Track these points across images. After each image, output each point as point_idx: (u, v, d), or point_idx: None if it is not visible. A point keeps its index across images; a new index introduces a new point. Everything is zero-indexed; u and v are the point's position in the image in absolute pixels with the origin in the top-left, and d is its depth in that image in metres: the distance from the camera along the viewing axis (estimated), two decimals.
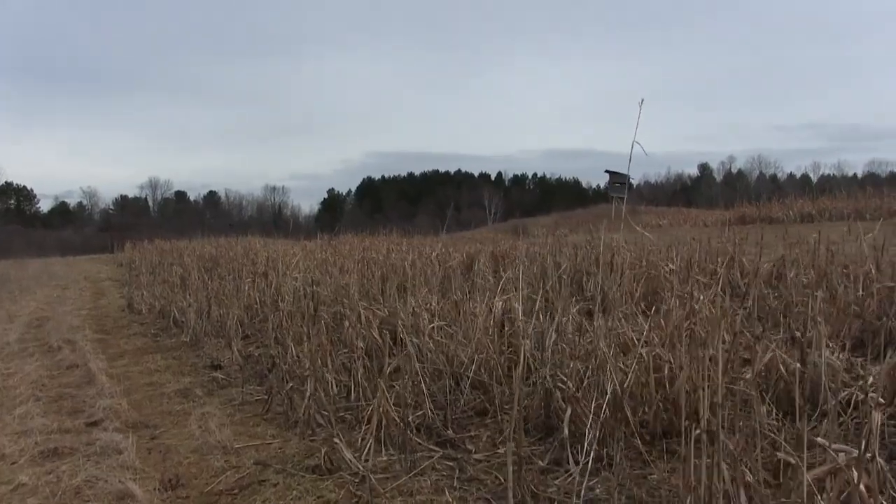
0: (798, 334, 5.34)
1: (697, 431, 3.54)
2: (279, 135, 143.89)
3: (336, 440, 4.54)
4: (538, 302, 8.04)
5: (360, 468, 4.36)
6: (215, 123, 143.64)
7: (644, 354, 5.06)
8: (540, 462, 4.47)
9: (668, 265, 10.18)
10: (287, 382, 6.35)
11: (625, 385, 4.72)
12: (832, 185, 59.00)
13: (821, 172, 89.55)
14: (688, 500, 3.39)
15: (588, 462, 4.38)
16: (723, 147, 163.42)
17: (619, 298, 8.82)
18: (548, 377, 5.12)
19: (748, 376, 5.21)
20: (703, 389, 5.00)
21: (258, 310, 11.15)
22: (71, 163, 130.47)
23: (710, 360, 5.37)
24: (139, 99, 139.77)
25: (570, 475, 4.23)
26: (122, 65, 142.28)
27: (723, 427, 3.62)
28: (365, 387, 6.23)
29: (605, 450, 4.44)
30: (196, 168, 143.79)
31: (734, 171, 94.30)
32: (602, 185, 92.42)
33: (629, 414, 4.68)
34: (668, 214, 37.94)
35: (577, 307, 8.01)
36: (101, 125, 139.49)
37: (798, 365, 5.03)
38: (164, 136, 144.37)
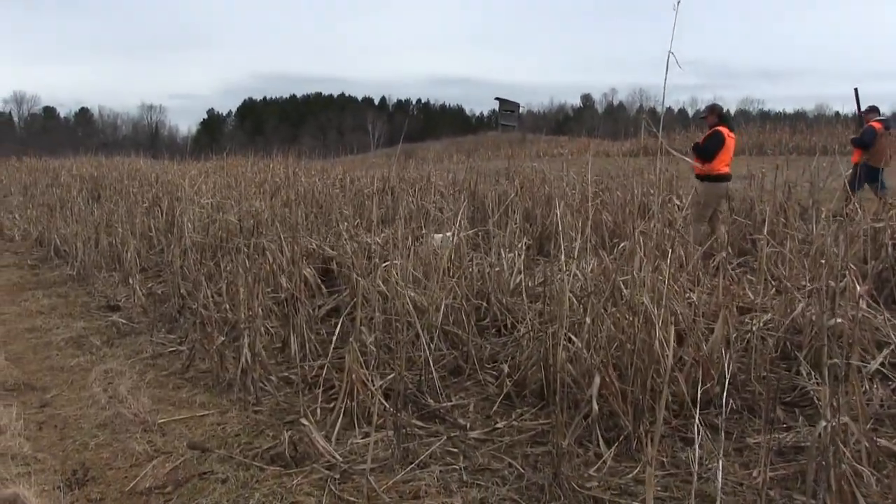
0: (831, 283, 4.62)
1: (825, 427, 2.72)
2: (156, 51, 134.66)
3: (304, 420, 3.50)
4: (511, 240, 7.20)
5: (339, 459, 3.37)
6: (87, 36, 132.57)
7: (648, 304, 4.17)
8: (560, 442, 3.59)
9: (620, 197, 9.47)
10: (211, 331, 5.21)
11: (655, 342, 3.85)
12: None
13: (698, 107, 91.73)
14: None
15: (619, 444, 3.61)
16: (604, 79, 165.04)
17: (571, 235, 8.01)
18: (552, 333, 4.21)
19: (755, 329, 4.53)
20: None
21: (155, 240, 9.78)
22: None
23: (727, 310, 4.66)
24: None
25: (604, 461, 3.38)
26: None
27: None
28: (309, 338, 5.19)
29: (639, 425, 3.63)
30: (67, 83, 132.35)
31: (615, 103, 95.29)
32: (486, 113, 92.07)
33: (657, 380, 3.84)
34: (564, 143, 37.44)
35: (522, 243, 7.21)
36: None
37: (837, 319, 4.34)
38: (30, 48, 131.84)
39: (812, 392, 4.04)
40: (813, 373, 4.21)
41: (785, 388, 4.25)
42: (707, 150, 8.21)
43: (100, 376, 4.96)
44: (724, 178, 8.27)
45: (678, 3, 4.28)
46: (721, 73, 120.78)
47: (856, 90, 11.24)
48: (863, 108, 11.03)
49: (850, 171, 9.87)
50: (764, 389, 3.88)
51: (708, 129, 8.48)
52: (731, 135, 8.44)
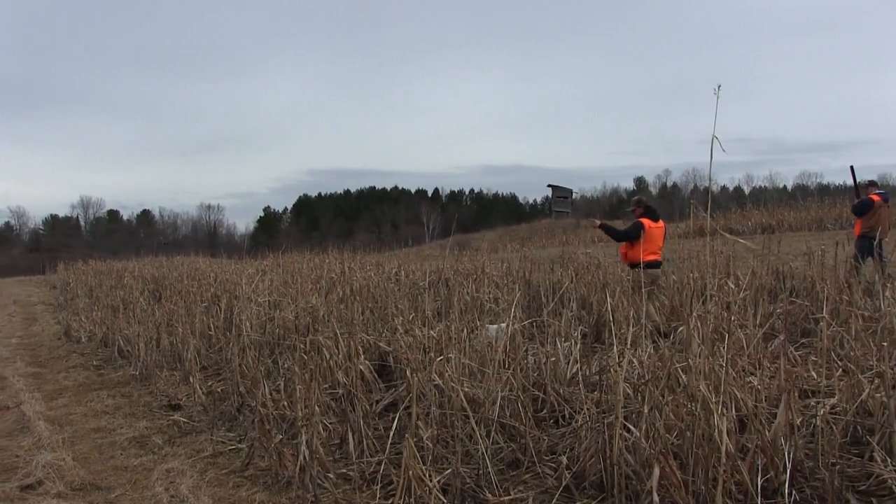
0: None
1: None
2: (213, 152, 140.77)
3: None
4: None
5: None
6: (148, 140, 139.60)
7: (704, 391, 4.10)
8: None
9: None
10: (269, 429, 5.27)
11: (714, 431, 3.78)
12: (765, 196, 59.92)
13: (753, 184, 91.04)
14: None
15: None
16: (657, 161, 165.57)
17: (624, 321, 7.93)
18: (609, 423, 4.16)
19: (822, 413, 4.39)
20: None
21: (214, 338, 9.98)
22: None
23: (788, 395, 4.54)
24: (69, 115, 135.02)
25: None
26: (49, 80, 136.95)
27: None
28: (366, 433, 5.20)
29: None
30: (130, 186, 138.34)
31: (669, 184, 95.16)
32: (539, 200, 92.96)
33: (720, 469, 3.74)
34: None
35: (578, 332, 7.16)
36: (29, 142, 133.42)
37: None
38: (96, 154, 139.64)
39: (889, 480, 3.89)
40: (888, 459, 4.05)
41: (858, 476, 4.08)
42: (627, 236, 9.39)
43: (162, 476, 5.03)
44: (649, 264, 9.13)
45: (718, 87, 4.39)
46: (776, 148, 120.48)
47: (852, 167, 11.76)
48: (861, 183, 11.64)
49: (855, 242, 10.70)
50: (833, 477, 3.75)
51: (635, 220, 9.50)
52: (657, 224, 9.53)
